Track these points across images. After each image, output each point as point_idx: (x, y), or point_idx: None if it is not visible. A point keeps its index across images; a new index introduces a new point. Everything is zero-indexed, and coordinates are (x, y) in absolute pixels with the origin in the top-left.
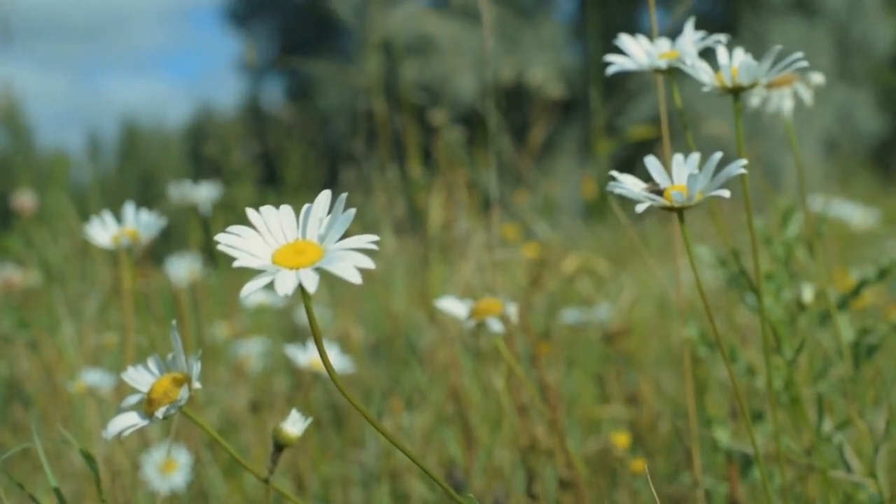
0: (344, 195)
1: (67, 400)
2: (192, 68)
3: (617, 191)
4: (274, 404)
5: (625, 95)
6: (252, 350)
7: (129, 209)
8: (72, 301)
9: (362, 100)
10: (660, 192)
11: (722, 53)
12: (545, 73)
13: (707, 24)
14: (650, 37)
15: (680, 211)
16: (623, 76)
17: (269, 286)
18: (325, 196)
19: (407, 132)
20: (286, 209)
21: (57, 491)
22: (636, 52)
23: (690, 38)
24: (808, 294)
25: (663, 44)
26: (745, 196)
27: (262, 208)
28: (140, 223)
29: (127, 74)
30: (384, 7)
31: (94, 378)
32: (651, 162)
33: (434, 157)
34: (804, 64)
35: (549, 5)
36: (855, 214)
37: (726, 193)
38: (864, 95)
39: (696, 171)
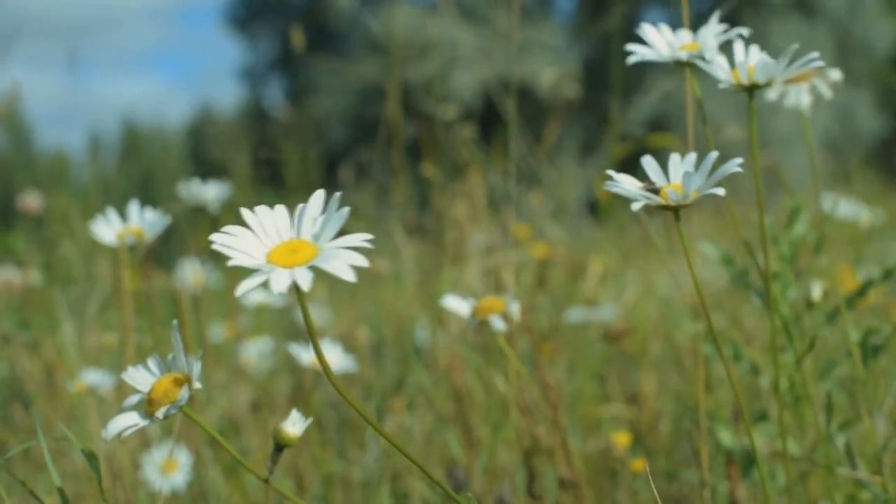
0: (338, 194)
1: (67, 400)
2: (186, 67)
3: (614, 190)
4: (275, 405)
5: (625, 96)
6: (253, 350)
7: (133, 207)
8: (73, 301)
9: (386, 103)
10: (656, 191)
11: (739, 50)
12: (554, 72)
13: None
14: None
15: (675, 209)
16: (621, 77)
17: (265, 285)
18: (319, 195)
19: (421, 132)
20: (281, 209)
21: (60, 490)
22: (658, 43)
23: (713, 30)
24: (816, 292)
25: (685, 35)
26: (758, 194)
27: (256, 208)
28: (144, 221)
29: (120, 73)
30: (385, 7)
31: (95, 378)
32: (647, 161)
33: (431, 155)
34: (820, 63)
35: (548, 6)
36: (857, 213)
37: (721, 192)
38: (864, 95)
39: (692, 170)
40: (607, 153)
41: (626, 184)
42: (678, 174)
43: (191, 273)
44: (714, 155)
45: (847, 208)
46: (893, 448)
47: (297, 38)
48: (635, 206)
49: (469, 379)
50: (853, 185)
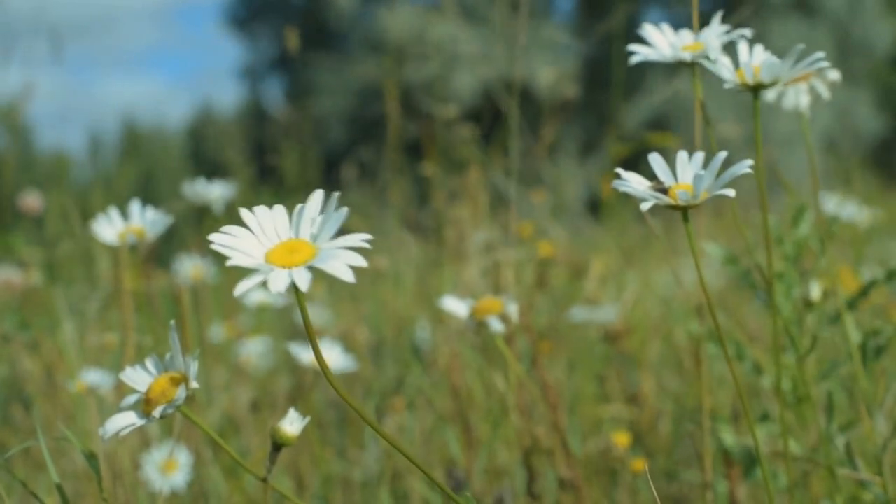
0: (336, 194)
1: (67, 400)
2: (186, 67)
3: (622, 189)
4: (275, 404)
5: (626, 96)
6: (253, 350)
7: (134, 206)
8: (73, 301)
9: (387, 103)
10: (664, 191)
11: (744, 50)
12: (553, 72)
13: (707, 23)
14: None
15: (685, 210)
16: (621, 77)
17: (264, 285)
18: (318, 195)
19: (421, 131)
20: (279, 209)
21: (59, 487)
22: (660, 43)
23: (716, 31)
24: (815, 292)
25: (686, 36)
26: (761, 195)
27: (255, 208)
28: (146, 221)
29: (120, 73)
30: (386, 7)
31: (95, 378)
32: (655, 160)
33: (431, 154)
34: (825, 64)
35: (548, 6)
36: (857, 214)
37: (731, 193)
38: (864, 95)
39: (702, 170)
40: (607, 153)
41: (634, 183)
42: (687, 174)
43: (189, 268)
44: (723, 155)
45: (848, 209)
46: (894, 448)
47: (292, 40)
48: (645, 206)
49: (469, 379)
50: (852, 184)
